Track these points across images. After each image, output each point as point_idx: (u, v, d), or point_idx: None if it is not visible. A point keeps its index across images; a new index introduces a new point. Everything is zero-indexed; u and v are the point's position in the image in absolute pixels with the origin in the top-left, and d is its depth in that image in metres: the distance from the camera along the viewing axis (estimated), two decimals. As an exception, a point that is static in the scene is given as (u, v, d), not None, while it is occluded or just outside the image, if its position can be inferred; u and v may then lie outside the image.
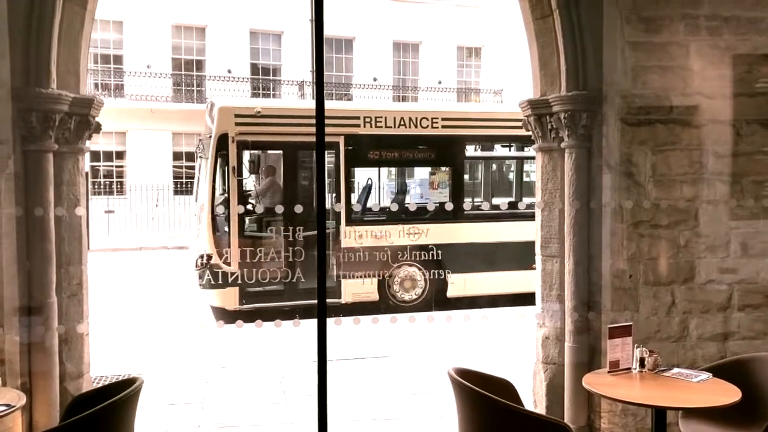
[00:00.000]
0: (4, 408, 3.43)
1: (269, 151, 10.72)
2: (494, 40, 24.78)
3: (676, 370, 3.95)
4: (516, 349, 6.84)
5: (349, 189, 10.48)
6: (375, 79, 23.67)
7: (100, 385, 4.01)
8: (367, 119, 10.12)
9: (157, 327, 9.49)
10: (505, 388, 3.73)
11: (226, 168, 9.45)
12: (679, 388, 3.74)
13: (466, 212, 10.48)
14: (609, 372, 3.93)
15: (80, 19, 4.28)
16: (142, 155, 21.60)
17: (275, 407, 5.84)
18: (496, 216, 10.65)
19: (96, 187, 21.08)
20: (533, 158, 11.14)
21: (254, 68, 23.62)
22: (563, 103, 4.64)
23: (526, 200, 11.32)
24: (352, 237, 9.74)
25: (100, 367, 5.73)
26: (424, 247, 9.96)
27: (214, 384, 6.49)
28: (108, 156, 21.78)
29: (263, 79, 23.56)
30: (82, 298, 4.44)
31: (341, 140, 9.85)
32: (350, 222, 9.88)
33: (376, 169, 11.52)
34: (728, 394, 3.63)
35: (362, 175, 12.36)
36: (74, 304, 4.39)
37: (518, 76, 15.98)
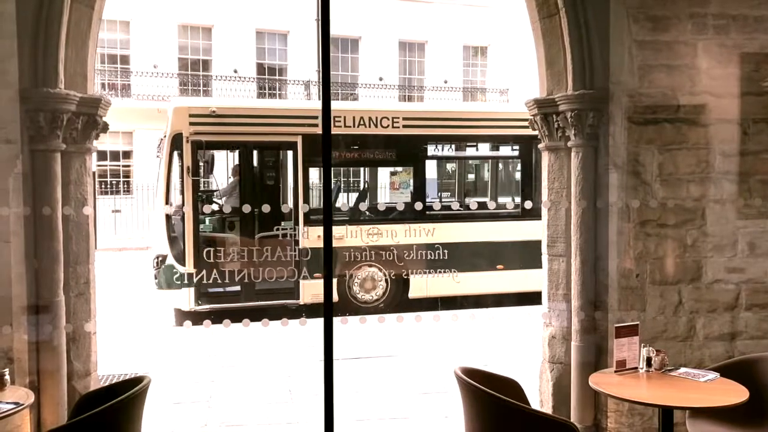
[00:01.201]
0: (12, 406, 3.45)
1: (232, 151, 10.58)
2: (500, 39, 24.72)
3: (683, 369, 3.95)
4: (521, 347, 6.83)
5: (308, 189, 10.15)
6: (381, 79, 23.65)
7: (107, 384, 4.02)
8: None
9: (162, 326, 9.53)
10: (511, 388, 3.73)
11: (181, 168, 9.34)
12: (686, 388, 3.73)
13: (427, 213, 10.07)
14: (616, 371, 3.92)
15: (87, 20, 4.29)
16: (148, 155, 21.63)
17: (281, 406, 5.84)
18: (460, 216, 10.40)
19: (103, 186, 21.15)
20: (507, 158, 11.21)
21: (260, 68, 23.65)
22: (570, 102, 4.63)
23: (501, 200, 11.15)
24: (311, 237, 9.40)
25: (107, 365, 5.76)
26: (384, 248, 9.70)
27: (220, 383, 6.51)
28: (115, 156, 21.84)
29: (269, 78, 23.59)
30: (89, 297, 4.45)
31: (299, 140, 9.58)
32: (309, 222, 9.57)
33: (336, 169, 11.25)
34: (736, 393, 3.62)
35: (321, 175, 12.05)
36: (82, 303, 4.40)
37: (524, 75, 15.94)
